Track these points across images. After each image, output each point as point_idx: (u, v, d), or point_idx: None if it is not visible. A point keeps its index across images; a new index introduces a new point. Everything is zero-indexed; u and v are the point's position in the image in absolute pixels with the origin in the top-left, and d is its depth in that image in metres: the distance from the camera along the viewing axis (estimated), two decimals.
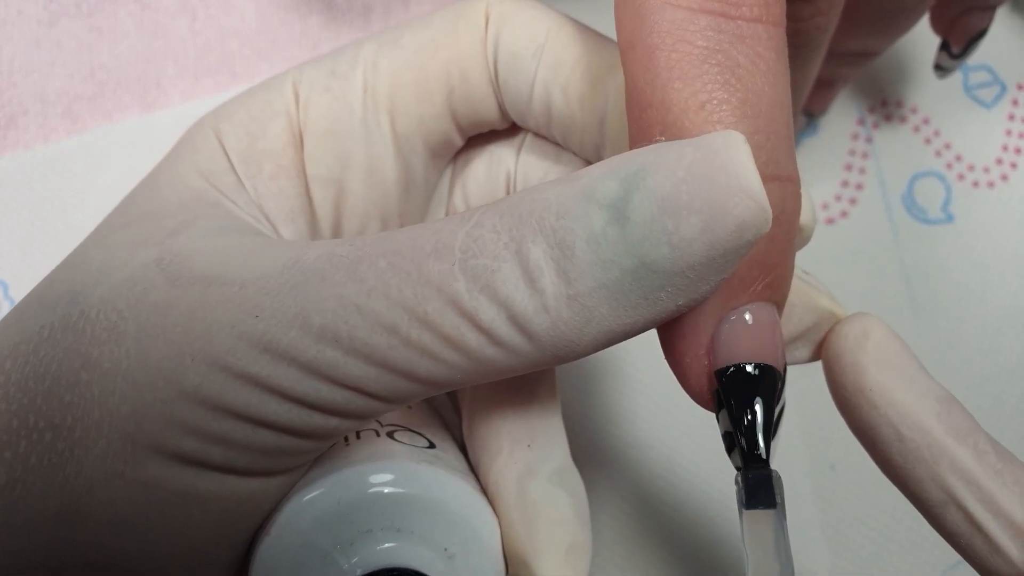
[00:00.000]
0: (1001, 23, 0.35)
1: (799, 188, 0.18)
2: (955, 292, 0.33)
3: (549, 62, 0.21)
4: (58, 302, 0.19)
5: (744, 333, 0.17)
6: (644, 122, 0.17)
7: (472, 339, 0.17)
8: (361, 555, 0.19)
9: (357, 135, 0.22)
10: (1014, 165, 0.34)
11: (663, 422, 0.32)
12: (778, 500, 0.17)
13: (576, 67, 0.21)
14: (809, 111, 0.33)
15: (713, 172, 0.16)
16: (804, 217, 0.19)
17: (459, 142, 0.23)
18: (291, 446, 0.18)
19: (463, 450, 0.22)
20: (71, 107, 0.34)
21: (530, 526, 0.20)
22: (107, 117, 0.34)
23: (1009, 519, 0.18)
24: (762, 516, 0.17)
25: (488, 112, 0.22)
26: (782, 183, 0.17)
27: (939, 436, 0.19)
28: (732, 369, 0.17)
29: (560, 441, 0.21)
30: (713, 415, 0.18)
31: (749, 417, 0.18)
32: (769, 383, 0.18)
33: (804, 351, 0.21)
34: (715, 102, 0.17)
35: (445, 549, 0.19)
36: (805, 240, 0.20)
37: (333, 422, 0.18)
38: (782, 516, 0.17)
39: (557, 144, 0.23)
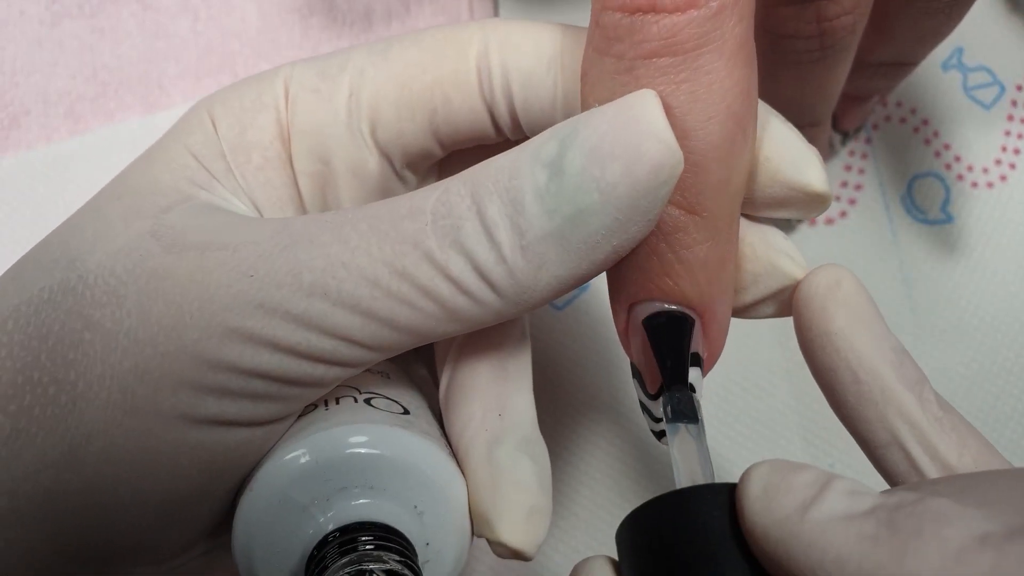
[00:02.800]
0: (1000, 24, 0.35)
1: (698, 219, 0.19)
2: (954, 292, 0.33)
3: (567, 70, 0.22)
4: (55, 266, 0.21)
5: (638, 327, 0.20)
6: None
7: (444, 289, 0.19)
8: (336, 510, 0.20)
9: (340, 137, 0.23)
10: (1013, 166, 0.34)
11: None
12: (700, 417, 0.20)
13: None
14: (843, 129, 0.32)
15: (629, 123, 0.18)
16: (818, 184, 0.21)
17: (440, 154, 0.24)
18: (281, 394, 0.20)
19: (439, 419, 0.24)
20: (73, 107, 0.34)
21: (495, 489, 0.21)
22: (109, 117, 0.35)
23: (944, 461, 0.20)
24: (686, 431, 0.20)
25: (477, 133, 0.23)
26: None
27: (891, 382, 0.20)
28: (654, 314, 0.20)
29: (529, 414, 0.23)
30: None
31: (673, 347, 0.20)
32: (686, 326, 0.20)
33: (769, 308, 0.23)
34: None
35: (415, 506, 0.21)
36: (822, 204, 0.21)
37: (320, 370, 0.20)
38: (703, 431, 0.20)
39: None
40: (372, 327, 0.19)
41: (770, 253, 0.22)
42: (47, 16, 0.35)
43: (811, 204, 0.21)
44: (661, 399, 0.20)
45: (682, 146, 0.19)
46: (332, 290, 0.19)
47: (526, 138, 0.24)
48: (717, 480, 0.19)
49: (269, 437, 0.21)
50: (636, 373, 0.21)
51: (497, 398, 0.23)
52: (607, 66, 0.19)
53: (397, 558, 0.20)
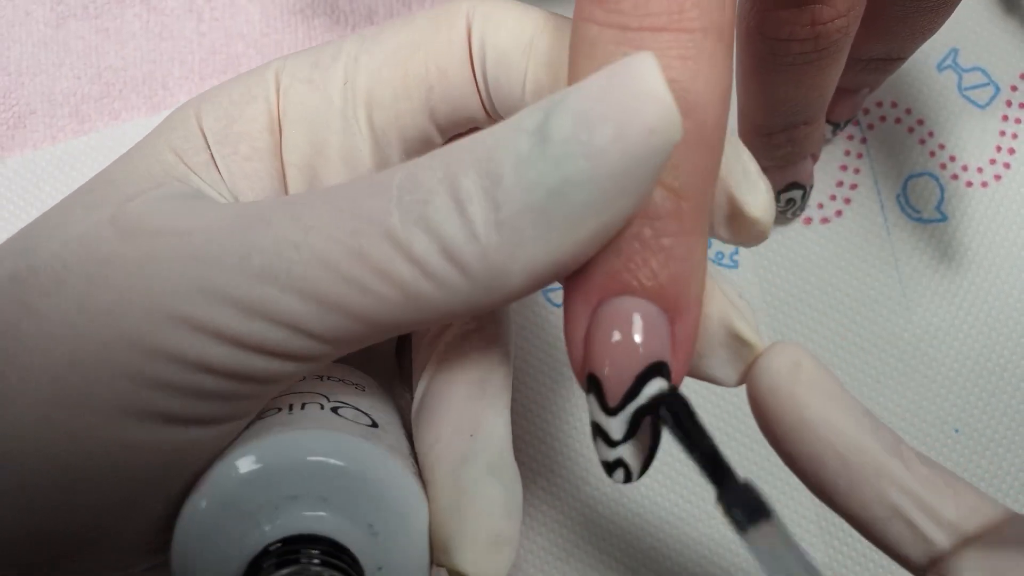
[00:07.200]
0: (995, 24, 0.36)
1: (684, 204, 0.18)
2: (949, 291, 0.34)
3: (539, 55, 0.21)
4: (9, 256, 0.19)
5: (605, 327, 0.18)
6: None
7: (406, 271, 0.17)
8: (283, 520, 0.19)
9: (335, 125, 0.22)
10: (1008, 165, 0.34)
11: None
12: (770, 506, 0.18)
13: (565, 57, 0.21)
14: (834, 120, 0.33)
15: (623, 84, 0.17)
16: (757, 211, 0.20)
17: (439, 140, 0.23)
18: (229, 390, 0.18)
19: (412, 437, 0.22)
20: (78, 108, 0.35)
21: (457, 513, 0.20)
22: (114, 118, 0.35)
23: (948, 522, 0.19)
24: (766, 529, 0.17)
25: (470, 110, 0.22)
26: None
27: (880, 455, 0.19)
28: (658, 401, 0.18)
29: (503, 436, 0.21)
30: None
31: (706, 443, 0.18)
32: (683, 404, 0.18)
33: (724, 371, 0.21)
34: None
35: (370, 525, 0.19)
36: (760, 235, 0.21)
37: (273, 364, 0.18)
38: (781, 524, 0.17)
39: None
40: (325, 315, 0.18)
41: (721, 298, 0.21)
42: (52, 17, 0.35)
43: (746, 227, 0.20)
44: (719, 504, 0.18)
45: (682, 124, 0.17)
46: (282, 273, 0.17)
47: None
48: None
49: (221, 438, 0.19)
50: (594, 387, 0.19)
51: (470, 417, 0.21)
52: (607, 36, 0.18)
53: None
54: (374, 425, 0.21)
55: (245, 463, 0.19)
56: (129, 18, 0.35)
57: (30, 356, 0.18)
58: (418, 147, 0.23)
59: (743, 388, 0.33)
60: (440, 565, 0.20)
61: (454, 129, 0.23)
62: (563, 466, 0.32)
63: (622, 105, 0.16)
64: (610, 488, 0.32)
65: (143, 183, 0.21)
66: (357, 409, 0.21)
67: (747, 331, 0.20)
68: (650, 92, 0.16)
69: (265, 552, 0.18)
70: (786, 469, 0.32)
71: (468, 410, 0.21)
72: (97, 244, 0.19)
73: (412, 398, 0.23)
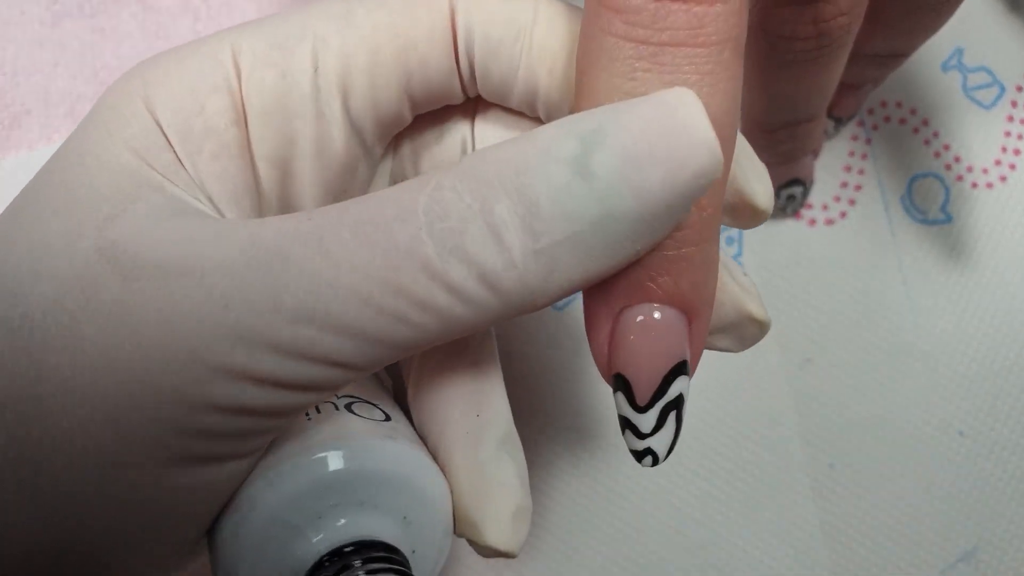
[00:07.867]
0: (1000, 24, 0.35)
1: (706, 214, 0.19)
2: (953, 292, 0.33)
3: (534, 46, 0.21)
4: None
5: (630, 333, 0.19)
6: None
7: (442, 300, 0.18)
8: (327, 530, 0.20)
9: (306, 115, 0.21)
10: (1013, 166, 0.34)
11: None
12: None
13: (562, 48, 0.21)
14: (837, 115, 0.33)
15: (671, 125, 0.17)
16: (762, 200, 0.22)
17: (409, 119, 0.22)
18: (266, 427, 0.19)
19: (408, 418, 0.23)
20: (74, 107, 0.35)
21: (479, 491, 0.21)
22: None
23: None
24: None
25: (447, 92, 0.22)
26: None
27: None
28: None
29: (504, 410, 0.22)
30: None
31: None
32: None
33: (726, 341, 0.23)
34: None
35: (404, 517, 0.21)
36: (761, 220, 0.22)
37: (309, 397, 0.18)
38: None
39: (520, 114, 0.23)
40: (364, 347, 0.18)
41: (733, 287, 0.22)
42: (48, 16, 0.35)
43: (750, 214, 0.22)
44: None
45: None
46: (319, 314, 0.17)
47: (479, 97, 0.23)
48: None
49: (253, 464, 0.20)
50: (621, 386, 0.20)
51: (473, 396, 0.22)
52: (625, 51, 0.18)
53: None
54: (387, 418, 0.22)
55: (285, 481, 0.19)
56: (125, 17, 0.35)
57: (55, 419, 0.17)
58: (391, 127, 0.22)
59: (734, 392, 0.33)
60: (463, 536, 0.21)
61: (427, 107, 0.23)
62: (562, 457, 0.32)
63: (671, 148, 0.17)
64: (609, 473, 0.32)
65: (114, 197, 0.19)
66: (367, 403, 0.22)
67: (760, 312, 0.22)
68: (700, 139, 0.17)
69: (320, 564, 0.19)
70: (787, 471, 0.32)
71: (470, 390, 0.22)
72: (98, 287, 0.18)
73: (400, 383, 0.24)
